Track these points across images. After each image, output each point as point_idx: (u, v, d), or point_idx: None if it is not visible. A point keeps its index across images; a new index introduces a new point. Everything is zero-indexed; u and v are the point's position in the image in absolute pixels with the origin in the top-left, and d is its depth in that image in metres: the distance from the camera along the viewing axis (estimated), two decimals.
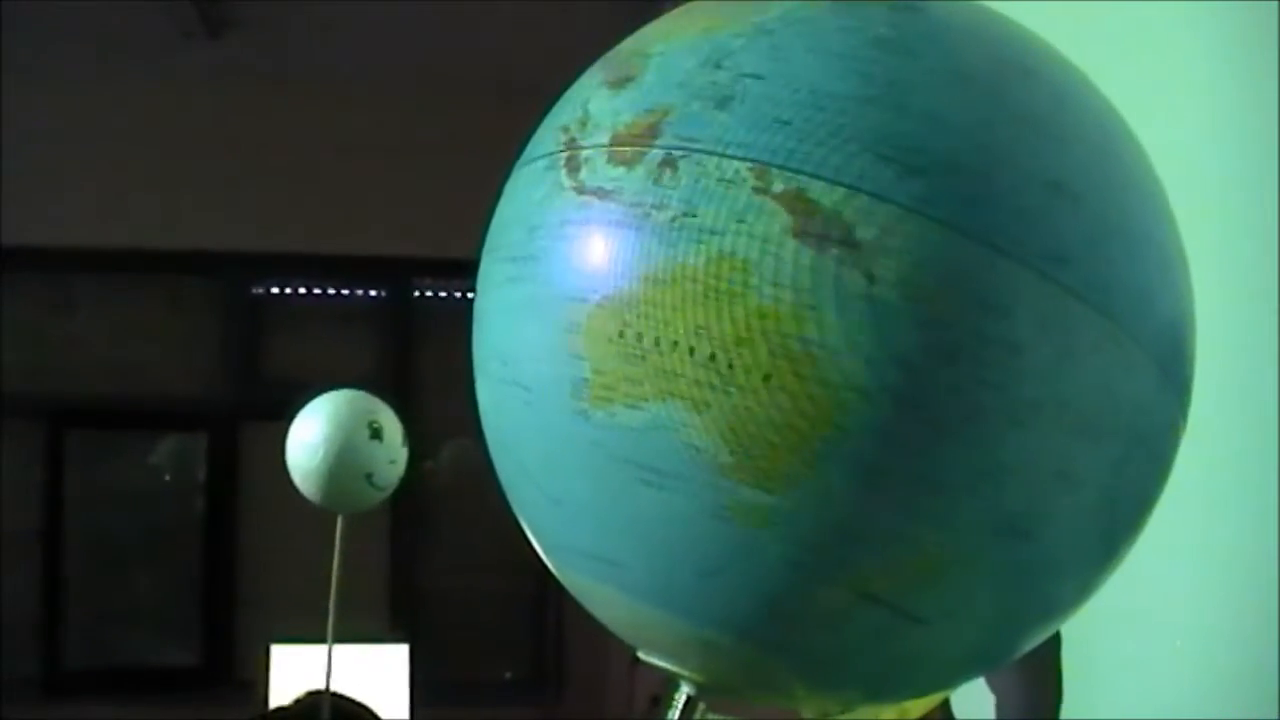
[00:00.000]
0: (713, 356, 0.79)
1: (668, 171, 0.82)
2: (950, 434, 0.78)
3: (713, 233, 0.80)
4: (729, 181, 0.80)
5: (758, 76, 0.83)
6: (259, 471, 6.63)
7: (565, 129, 0.91)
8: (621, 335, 0.81)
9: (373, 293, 6.97)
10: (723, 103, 0.82)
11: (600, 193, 0.85)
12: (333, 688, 3.37)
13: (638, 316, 0.81)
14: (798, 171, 0.79)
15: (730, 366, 0.78)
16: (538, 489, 0.92)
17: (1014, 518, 0.80)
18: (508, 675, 6.95)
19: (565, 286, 0.86)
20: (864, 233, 0.77)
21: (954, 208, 0.78)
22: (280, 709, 2.70)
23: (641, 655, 0.95)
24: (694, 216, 0.80)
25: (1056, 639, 1.74)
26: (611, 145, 0.86)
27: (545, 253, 0.88)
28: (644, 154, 0.83)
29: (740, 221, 0.79)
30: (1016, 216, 0.79)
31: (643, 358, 0.81)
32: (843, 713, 1.16)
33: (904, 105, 0.80)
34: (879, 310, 0.76)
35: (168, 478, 6.90)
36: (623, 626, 0.97)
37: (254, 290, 6.82)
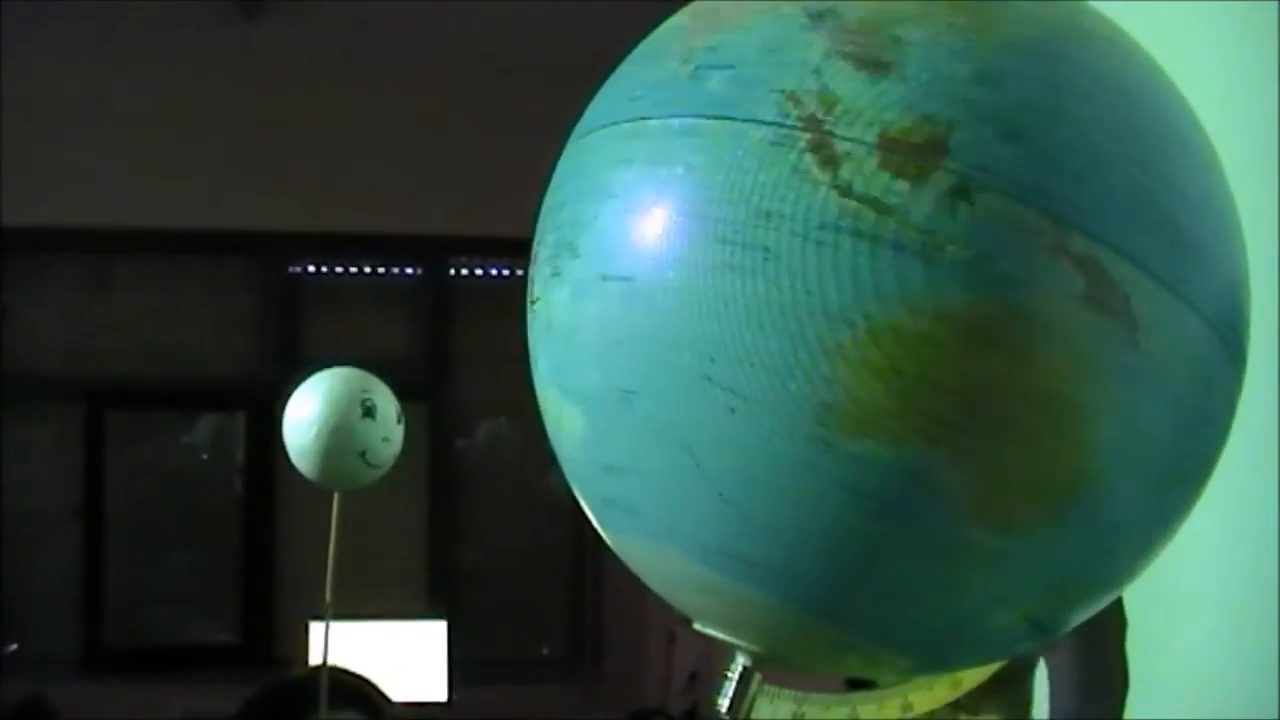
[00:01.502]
0: (979, 404, 0.78)
1: (962, 204, 0.78)
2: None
3: (1010, 284, 0.78)
4: (1027, 231, 0.78)
5: (1042, 113, 0.81)
6: None
7: (794, 99, 0.82)
8: (892, 369, 0.77)
9: (409, 271, 6.98)
10: (1011, 135, 0.79)
11: (878, 205, 0.78)
12: (368, 663, 3.40)
13: (911, 353, 0.78)
14: (1096, 239, 0.79)
15: (999, 417, 0.78)
16: (705, 482, 0.84)
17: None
18: (545, 652, 6.97)
19: (826, 302, 0.78)
20: (1140, 308, 0.79)
21: (1210, 303, 0.84)
22: (283, 680, 2.71)
23: (697, 626, 0.95)
24: (992, 262, 0.78)
25: (1121, 627, 1.72)
26: (882, 148, 0.79)
27: (794, 255, 0.79)
28: (929, 173, 0.78)
29: (1038, 277, 0.78)
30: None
31: (908, 395, 0.78)
32: (898, 683, 1.16)
33: (1171, 183, 0.83)
34: (1140, 381, 0.80)
35: (206, 457, 6.93)
36: (687, 597, 0.93)
37: (291, 269, 6.83)
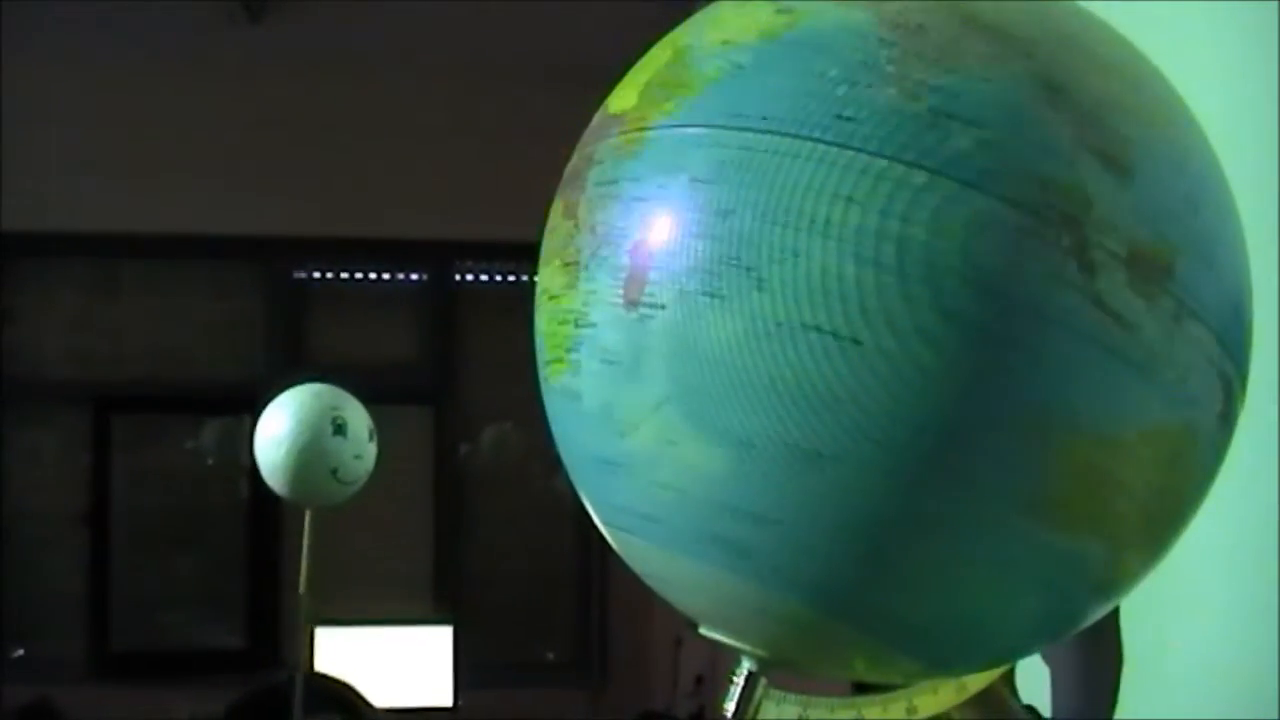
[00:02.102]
0: (1149, 507, 0.85)
1: (1179, 330, 0.80)
2: None
3: (1190, 404, 0.82)
4: (1210, 358, 0.83)
5: (1224, 244, 0.86)
6: None
7: (1054, 190, 0.78)
8: (1091, 467, 0.79)
9: (414, 276, 6.99)
10: (1207, 263, 0.83)
11: (1121, 323, 0.78)
12: (374, 667, 3.40)
13: (1117, 460, 0.80)
14: (1235, 361, 0.86)
15: (1158, 517, 0.86)
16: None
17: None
18: (551, 656, 6.98)
19: (1062, 406, 0.78)
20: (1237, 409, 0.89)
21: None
22: (266, 685, 2.71)
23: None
24: (1186, 384, 0.82)
25: (1115, 614, 1.73)
26: (1130, 266, 0.78)
27: (1049, 358, 0.78)
28: (1158, 295, 0.79)
29: (1210, 398, 0.84)
30: None
31: (1099, 496, 0.81)
32: (903, 686, 1.16)
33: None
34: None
35: (212, 461, 6.95)
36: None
37: (296, 274, 6.85)
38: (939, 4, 0.83)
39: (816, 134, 0.80)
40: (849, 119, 0.79)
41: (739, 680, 0.97)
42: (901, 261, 0.77)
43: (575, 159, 0.94)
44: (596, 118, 0.95)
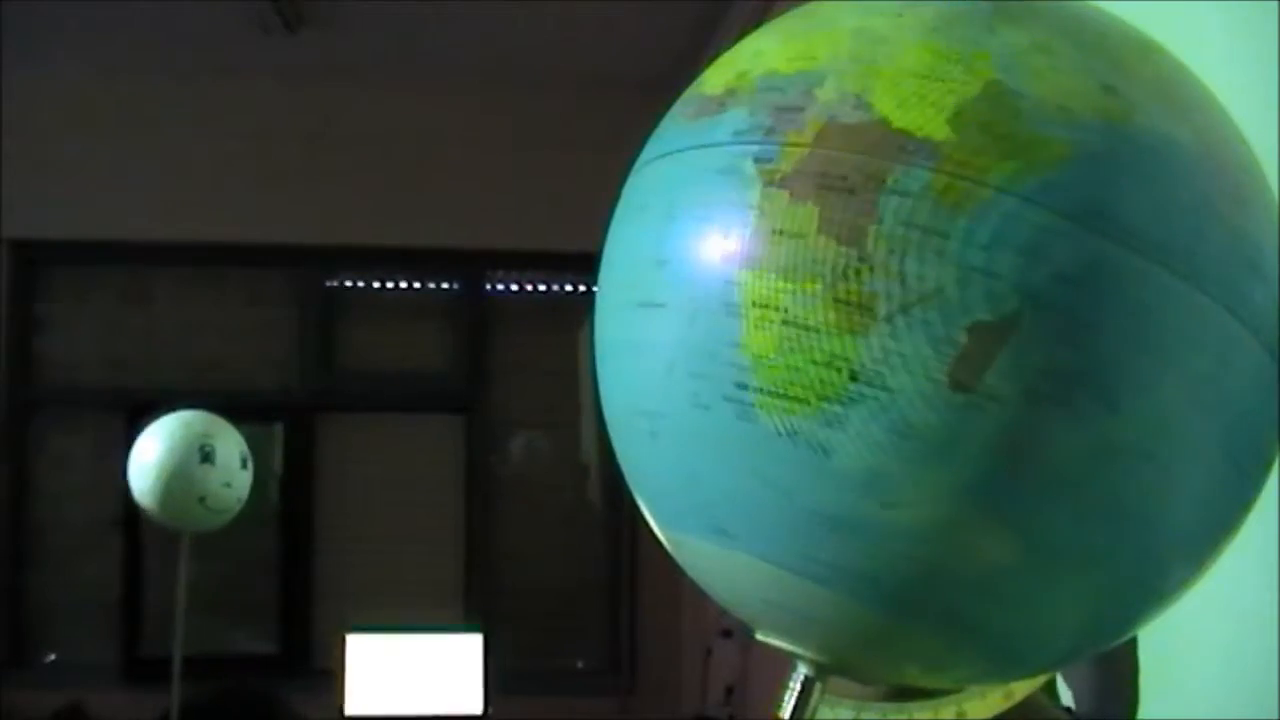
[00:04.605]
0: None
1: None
2: None
3: None
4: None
5: None
6: (334, 462, 6.71)
7: None
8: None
9: (446, 285, 7.01)
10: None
11: None
12: (405, 674, 3.40)
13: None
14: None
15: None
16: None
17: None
18: (580, 665, 6.98)
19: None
20: None
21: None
22: (193, 699, 2.69)
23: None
24: None
25: (1133, 638, 1.74)
26: None
27: None
28: None
29: None
30: None
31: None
32: (954, 692, 1.17)
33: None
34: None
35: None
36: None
37: (329, 283, 6.88)
38: None
39: (1183, 269, 0.80)
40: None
41: (794, 686, 0.97)
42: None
43: (848, 163, 0.82)
44: (867, 121, 0.83)
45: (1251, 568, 1.75)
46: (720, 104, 0.89)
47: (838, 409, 0.80)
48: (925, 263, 0.79)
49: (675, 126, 0.94)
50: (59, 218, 6.46)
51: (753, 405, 0.82)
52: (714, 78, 0.93)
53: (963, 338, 0.78)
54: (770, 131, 0.84)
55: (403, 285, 7.00)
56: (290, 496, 6.76)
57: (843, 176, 0.81)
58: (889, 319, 0.79)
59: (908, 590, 0.84)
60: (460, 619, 6.33)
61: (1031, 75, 0.82)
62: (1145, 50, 0.88)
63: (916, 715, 1.22)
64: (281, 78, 6.45)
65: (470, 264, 6.88)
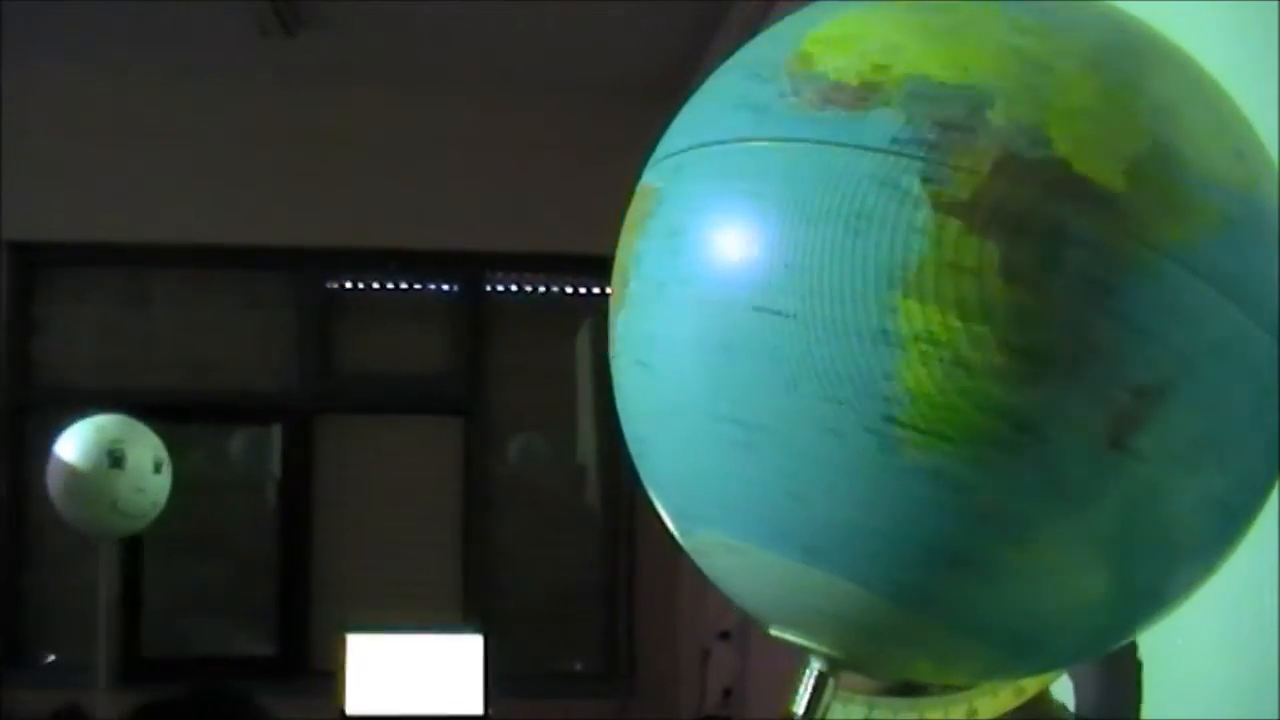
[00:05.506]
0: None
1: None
2: None
3: None
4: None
5: None
6: (333, 463, 6.71)
7: None
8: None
9: (445, 287, 7.02)
10: None
11: None
12: (406, 675, 3.38)
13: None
14: None
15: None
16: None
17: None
18: (579, 667, 6.99)
19: None
20: None
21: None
22: (161, 699, 2.68)
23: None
24: None
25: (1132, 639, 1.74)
26: None
27: None
28: None
29: None
30: None
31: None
32: (965, 688, 1.17)
33: None
34: None
35: (243, 470, 6.99)
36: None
37: (328, 285, 6.88)
38: None
39: None
40: None
41: (808, 681, 0.98)
42: None
43: (1030, 203, 0.79)
44: (1047, 159, 0.79)
45: (1251, 568, 1.75)
46: (860, 98, 0.82)
47: (990, 452, 0.79)
48: (1097, 318, 0.78)
49: (785, 107, 0.86)
50: (58, 220, 6.46)
51: (898, 440, 0.79)
52: (829, 59, 0.86)
53: (1124, 398, 0.78)
54: (935, 148, 0.80)
55: (401, 287, 7.00)
56: (289, 498, 6.77)
57: (1024, 216, 0.78)
58: (1058, 371, 0.78)
59: (929, 591, 0.85)
60: (458, 621, 6.33)
61: (1184, 134, 0.82)
62: (1241, 113, 0.89)
63: (928, 713, 1.23)
64: (281, 80, 6.46)
65: (469, 266, 6.88)
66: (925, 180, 0.79)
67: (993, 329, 0.77)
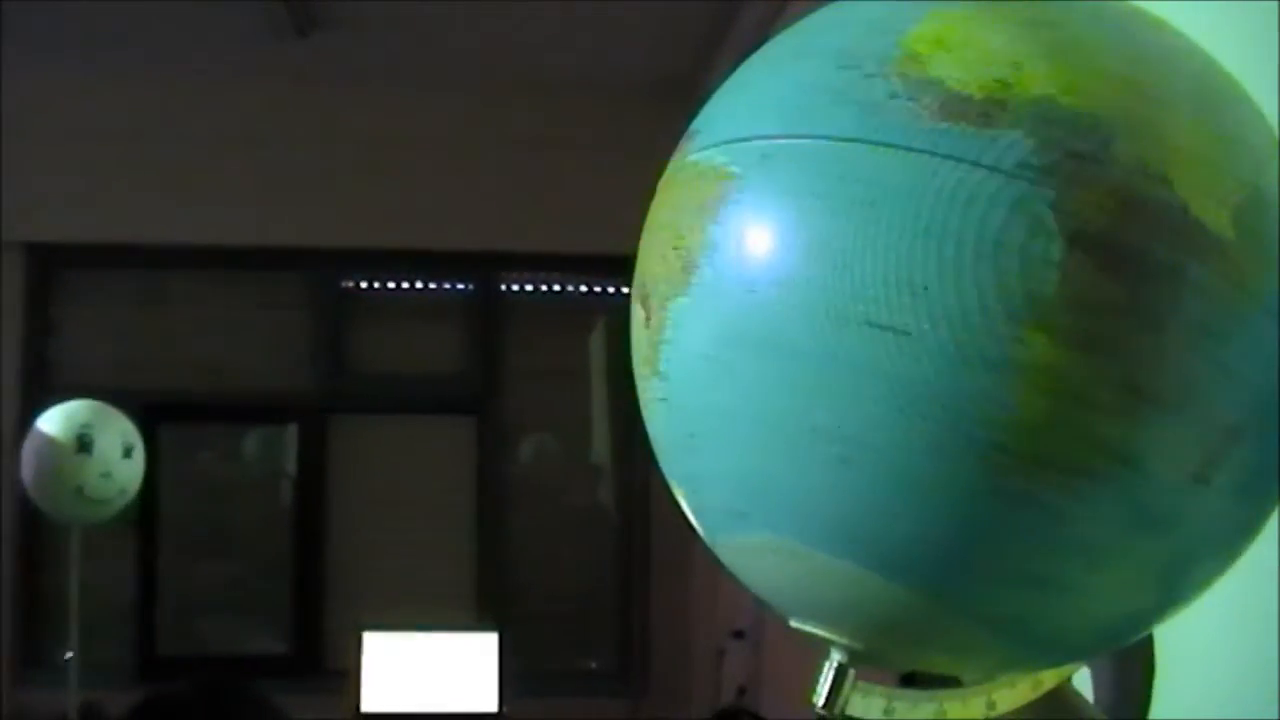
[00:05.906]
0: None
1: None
2: None
3: None
4: None
5: None
6: (347, 463, 6.72)
7: None
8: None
9: (460, 286, 7.03)
10: None
11: None
12: (421, 673, 3.34)
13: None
14: None
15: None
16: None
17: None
18: (593, 666, 7.00)
19: None
20: None
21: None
22: (166, 692, 2.67)
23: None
24: None
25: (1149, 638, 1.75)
26: None
27: None
28: None
29: None
30: None
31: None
32: (983, 681, 1.18)
33: None
34: None
35: (257, 470, 7.02)
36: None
37: (342, 284, 6.90)
38: None
39: None
40: None
41: (828, 673, 0.98)
42: None
43: (1155, 243, 0.79)
44: (1170, 202, 0.80)
45: (1251, 567, 1.76)
46: (984, 115, 0.80)
47: (1087, 484, 0.79)
48: (1203, 363, 0.80)
49: (901, 112, 0.82)
50: (74, 221, 6.49)
51: (1000, 465, 0.79)
52: (944, 66, 0.83)
53: (1214, 436, 0.81)
54: (1065, 178, 0.79)
55: (416, 287, 7.01)
56: (303, 497, 6.79)
57: (1149, 257, 0.78)
58: (1165, 410, 0.79)
59: (992, 602, 0.87)
60: (472, 620, 6.34)
61: (1272, 183, 0.84)
62: None
63: (946, 705, 1.24)
64: (295, 80, 6.47)
65: (483, 266, 6.89)
66: (1057, 211, 0.78)
67: (1112, 366, 0.78)
